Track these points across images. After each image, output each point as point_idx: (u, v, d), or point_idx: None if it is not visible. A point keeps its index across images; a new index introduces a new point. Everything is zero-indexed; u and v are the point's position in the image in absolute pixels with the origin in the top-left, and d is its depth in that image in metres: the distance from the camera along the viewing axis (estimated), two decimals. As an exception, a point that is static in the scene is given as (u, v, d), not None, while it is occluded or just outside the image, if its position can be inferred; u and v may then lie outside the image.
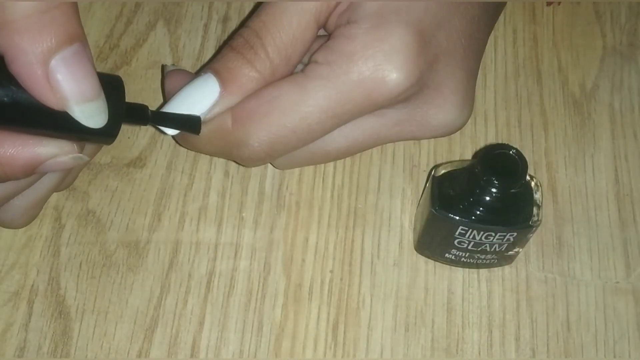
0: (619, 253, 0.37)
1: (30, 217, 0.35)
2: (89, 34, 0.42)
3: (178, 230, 0.37)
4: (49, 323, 0.35)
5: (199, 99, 0.32)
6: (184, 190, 0.38)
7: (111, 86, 0.29)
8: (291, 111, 0.32)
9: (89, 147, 0.33)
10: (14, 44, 0.25)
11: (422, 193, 0.38)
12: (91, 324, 0.35)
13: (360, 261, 0.37)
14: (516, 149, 0.32)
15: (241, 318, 0.35)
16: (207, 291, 0.36)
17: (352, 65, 0.31)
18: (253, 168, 0.39)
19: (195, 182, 0.38)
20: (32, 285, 0.36)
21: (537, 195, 0.33)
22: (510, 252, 0.35)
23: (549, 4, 0.44)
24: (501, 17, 0.43)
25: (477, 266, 0.36)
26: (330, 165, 0.39)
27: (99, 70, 0.28)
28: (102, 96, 0.28)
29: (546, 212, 0.38)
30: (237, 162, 0.38)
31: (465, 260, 0.35)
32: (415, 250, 0.37)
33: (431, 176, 0.34)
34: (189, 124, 0.33)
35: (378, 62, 0.31)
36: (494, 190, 0.32)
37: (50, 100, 0.26)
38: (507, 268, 0.37)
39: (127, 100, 0.30)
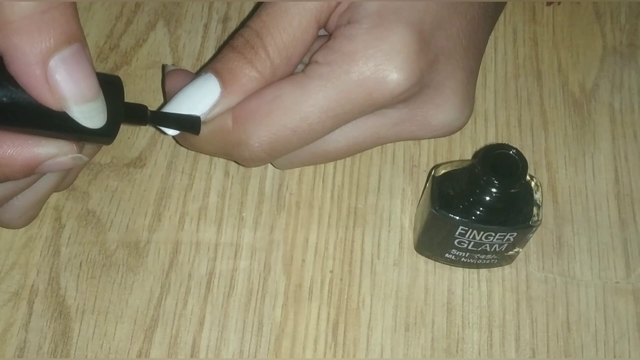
0: (619, 253, 0.37)
1: (29, 217, 0.35)
2: (89, 34, 0.42)
3: (178, 230, 0.37)
4: (49, 323, 0.35)
5: (199, 99, 0.32)
6: (184, 190, 0.38)
7: (110, 86, 0.29)
8: (292, 111, 0.32)
9: (89, 147, 0.33)
10: (13, 45, 0.25)
11: (422, 193, 0.38)
12: (91, 324, 0.35)
13: (360, 261, 0.37)
14: (516, 149, 0.32)
15: (241, 318, 0.35)
16: (207, 291, 0.36)
17: (352, 65, 0.31)
18: (253, 168, 0.39)
19: (195, 182, 0.38)
20: (32, 285, 0.36)
21: (537, 195, 0.33)
22: (510, 252, 0.35)
23: (549, 4, 0.44)
24: (501, 17, 0.43)
25: (477, 266, 0.36)
26: (330, 165, 0.39)
27: (98, 70, 0.28)
28: (101, 96, 0.28)
29: (546, 212, 0.38)
30: (237, 162, 0.38)
31: (465, 260, 0.35)
32: (415, 250, 0.37)
33: (431, 176, 0.34)
34: (189, 124, 0.33)
35: (379, 62, 0.31)
36: (494, 190, 0.32)
37: (49, 100, 0.26)
38: (507, 268, 0.37)
39: (126, 100, 0.30)
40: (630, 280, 0.37)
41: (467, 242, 0.34)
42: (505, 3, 0.40)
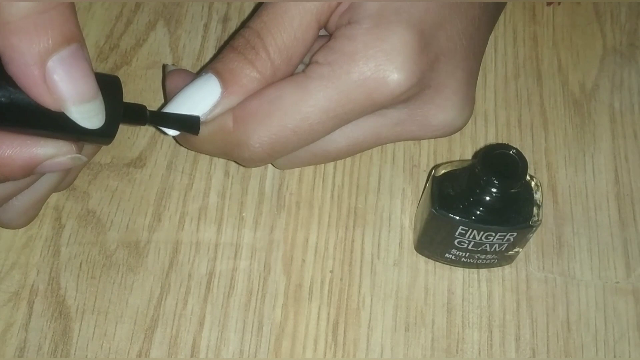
0: (619, 253, 0.37)
1: (29, 217, 0.35)
2: (89, 34, 0.42)
3: (178, 230, 0.37)
4: (49, 323, 0.35)
5: (200, 99, 0.32)
6: (184, 190, 0.38)
7: (109, 86, 0.29)
8: (292, 112, 0.32)
9: (88, 147, 0.33)
10: (11, 45, 0.25)
11: (422, 193, 0.38)
12: (91, 324, 0.35)
13: (360, 261, 0.37)
14: (516, 149, 0.32)
15: (241, 318, 0.35)
16: (207, 291, 0.36)
17: (353, 66, 0.31)
18: (253, 168, 0.39)
19: (195, 182, 0.38)
20: (32, 285, 0.36)
21: (537, 195, 0.33)
22: (510, 252, 0.35)
23: (549, 4, 0.44)
24: (501, 17, 0.43)
25: (477, 266, 0.36)
26: (330, 165, 0.39)
27: (98, 70, 0.28)
28: (100, 97, 0.28)
29: (546, 212, 0.38)
30: (237, 163, 0.38)
31: (465, 260, 0.35)
32: (415, 250, 0.37)
33: (431, 176, 0.34)
34: (188, 124, 0.33)
35: (379, 62, 0.31)
36: (494, 190, 0.32)
37: (47, 101, 0.26)
38: (507, 268, 0.37)
39: (126, 100, 0.30)
40: (630, 280, 0.37)
41: (467, 242, 0.34)
42: (505, 3, 0.40)
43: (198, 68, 0.42)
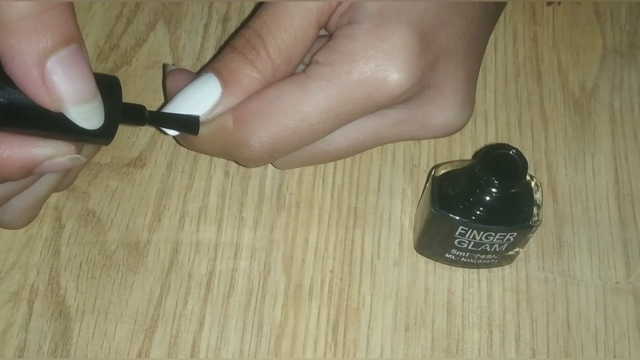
0: (619, 253, 0.37)
1: (29, 217, 0.35)
2: (89, 34, 0.42)
3: (178, 230, 0.37)
4: (49, 323, 0.35)
5: (200, 99, 0.32)
6: (184, 190, 0.38)
7: (108, 87, 0.29)
8: (292, 112, 0.32)
9: (88, 147, 0.33)
10: (10, 45, 0.25)
11: (422, 193, 0.38)
12: (91, 324, 0.35)
13: (360, 261, 0.37)
14: (516, 149, 0.32)
15: (241, 318, 0.35)
16: (207, 291, 0.36)
17: (353, 66, 0.31)
18: (253, 168, 0.38)
19: (195, 182, 0.38)
20: (32, 285, 0.36)
21: (537, 195, 0.33)
22: (510, 252, 0.35)
23: (549, 4, 0.44)
24: (501, 17, 0.43)
25: (477, 266, 0.36)
26: (330, 165, 0.39)
27: (99, 70, 0.28)
28: (99, 97, 0.28)
29: (546, 212, 0.38)
30: (237, 163, 0.38)
31: (465, 260, 0.35)
32: (415, 250, 0.37)
33: (431, 176, 0.34)
34: (187, 125, 0.33)
35: (379, 63, 0.31)
36: (494, 190, 0.32)
37: (46, 101, 0.26)
38: (507, 268, 0.37)
39: (125, 100, 0.30)
40: (630, 280, 0.37)
41: (467, 242, 0.34)
42: (505, 3, 0.40)
43: (198, 68, 0.42)
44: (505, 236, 0.33)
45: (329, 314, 0.35)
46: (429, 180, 0.35)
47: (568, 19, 0.44)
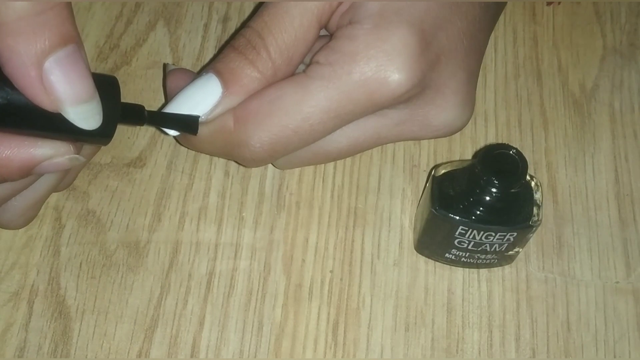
0: (619, 253, 0.37)
1: (28, 217, 0.35)
2: (89, 34, 0.42)
3: (178, 230, 0.37)
4: (49, 323, 0.35)
5: (200, 99, 0.32)
6: (184, 190, 0.38)
7: (106, 87, 0.29)
8: (293, 112, 0.32)
9: (87, 147, 0.33)
10: (8, 46, 0.25)
11: (422, 193, 0.38)
12: (91, 324, 0.35)
13: (360, 261, 0.37)
14: (516, 149, 0.32)
15: (241, 318, 0.35)
16: (207, 291, 0.36)
17: (354, 66, 0.31)
18: (253, 168, 0.38)
19: (195, 182, 0.38)
20: (32, 285, 0.36)
21: (537, 195, 0.33)
22: (510, 252, 0.35)
23: (549, 4, 0.44)
24: (501, 17, 0.43)
25: (477, 266, 0.36)
26: (330, 165, 0.39)
27: (99, 70, 0.28)
28: (97, 98, 0.28)
29: (546, 212, 0.38)
30: (238, 163, 0.38)
31: (465, 260, 0.35)
32: (415, 250, 0.37)
33: (431, 176, 0.34)
34: (187, 125, 0.33)
35: (380, 63, 0.31)
36: (494, 190, 0.32)
37: (44, 101, 0.26)
38: (507, 268, 0.37)
39: (125, 100, 0.30)
40: (630, 280, 0.37)
41: (467, 242, 0.34)
42: (505, 3, 0.40)
43: (198, 68, 0.42)
44: (505, 236, 0.33)
45: (329, 314, 0.35)
46: (429, 180, 0.35)
47: (568, 19, 0.44)
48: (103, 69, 0.41)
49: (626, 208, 0.38)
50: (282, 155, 0.34)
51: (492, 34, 0.40)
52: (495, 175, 0.31)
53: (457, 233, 0.33)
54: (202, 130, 0.33)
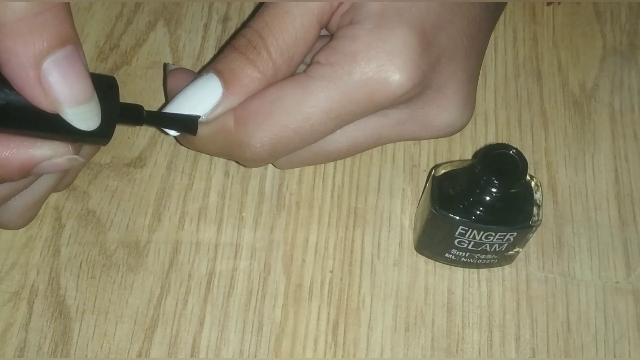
0: (619, 253, 0.37)
1: (28, 217, 0.35)
2: (89, 34, 0.42)
3: (178, 230, 0.37)
4: (49, 323, 0.35)
5: (201, 99, 0.32)
6: (184, 190, 0.38)
7: (105, 87, 0.29)
8: (293, 112, 0.32)
9: (87, 147, 0.33)
10: (6, 47, 0.25)
11: (422, 193, 0.38)
12: (91, 324, 0.35)
13: (360, 261, 0.37)
14: (516, 149, 0.32)
15: (241, 318, 0.35)
16: (207, 291, 0.36)
17: (354, 66, 0.31)
18: (253, 168, 0.38)
19: (195, 182, 0.38)
20: (32, 285, 0.36)
21: (537, 195, 0.33)
22: (510, 252, 0.35)
23: (549, 4, 0.44)
24: (501, 17, 0.43)
25: (477, 266, 0.36)
26: (330, 165, 0.39)
27: (98, 70, 0.28)
28: (95, 98, 0.28)
29: (546, 212, 0.38)
30: (238, 163, 0.38)
31: (465, 260, 0.35)
32: (415, 250, 0.37)
33: (431, 176, 0.34)
34: (186, 125, 0.33)
35: (381, 63, 0.31)
36: (494, 190, 0.32)
37: (42, 102, 0.26)
38: (507, 268, 0.37)
39: (125, 100, 0.30)
40: (630, 280, 0.37)
41: (467, 242, 0.34)
42: (505, 3, 0.40)
43: (198, 68, 0.42)
44: (505, 236, 0.33)
45: (329, 314, 0.35)
46: (429, 180, 0.35)
47: (568, 19, 0.44)
48: (103, 69, 0.41)
49: (626, 208, 0.38)
50: (282, 155, 0.34)
51: (492, 34, 0.40)
52: (495, 175, 0.31)
53: (457, 233, 0.33)
54: (202, 130, 0.33)
